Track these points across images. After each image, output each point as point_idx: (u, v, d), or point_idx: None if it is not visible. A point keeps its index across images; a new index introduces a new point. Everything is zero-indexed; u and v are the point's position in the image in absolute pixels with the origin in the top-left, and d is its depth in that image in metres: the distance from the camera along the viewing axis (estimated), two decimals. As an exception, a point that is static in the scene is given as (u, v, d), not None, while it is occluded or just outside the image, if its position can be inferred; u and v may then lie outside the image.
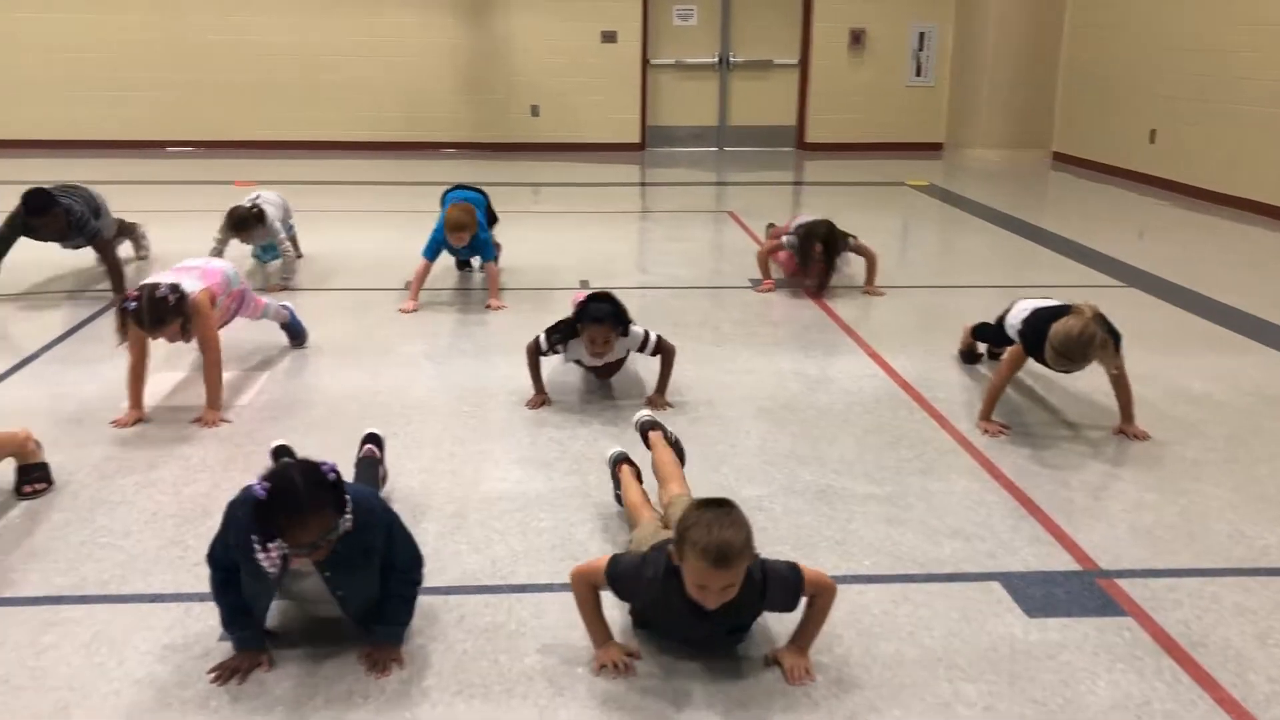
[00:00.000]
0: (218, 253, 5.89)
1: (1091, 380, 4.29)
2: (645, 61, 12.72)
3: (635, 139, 12.89)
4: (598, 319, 4.14)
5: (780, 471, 3.73)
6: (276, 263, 6.39)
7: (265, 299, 4.94)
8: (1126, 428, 4.07)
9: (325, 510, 2.37)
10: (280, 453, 3.44)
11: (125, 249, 6.54)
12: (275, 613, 2.65)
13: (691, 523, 2.36)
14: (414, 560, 2.65)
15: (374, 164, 11.53)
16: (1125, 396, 4.07)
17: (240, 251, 6.32)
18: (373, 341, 5.21)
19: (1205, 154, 9.53)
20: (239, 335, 4.98)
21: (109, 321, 5.30)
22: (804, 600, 2.55)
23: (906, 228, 8.86)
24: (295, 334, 5.06)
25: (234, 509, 2.49)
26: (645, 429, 3.51)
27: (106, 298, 5.82)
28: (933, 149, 13.03)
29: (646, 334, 4.31)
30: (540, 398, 4.33)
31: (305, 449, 2.73)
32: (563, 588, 2.70)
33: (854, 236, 6.22)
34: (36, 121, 11.99)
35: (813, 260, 6.01)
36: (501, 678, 2.53)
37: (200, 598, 2.77)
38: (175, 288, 4.01)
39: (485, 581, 2.98)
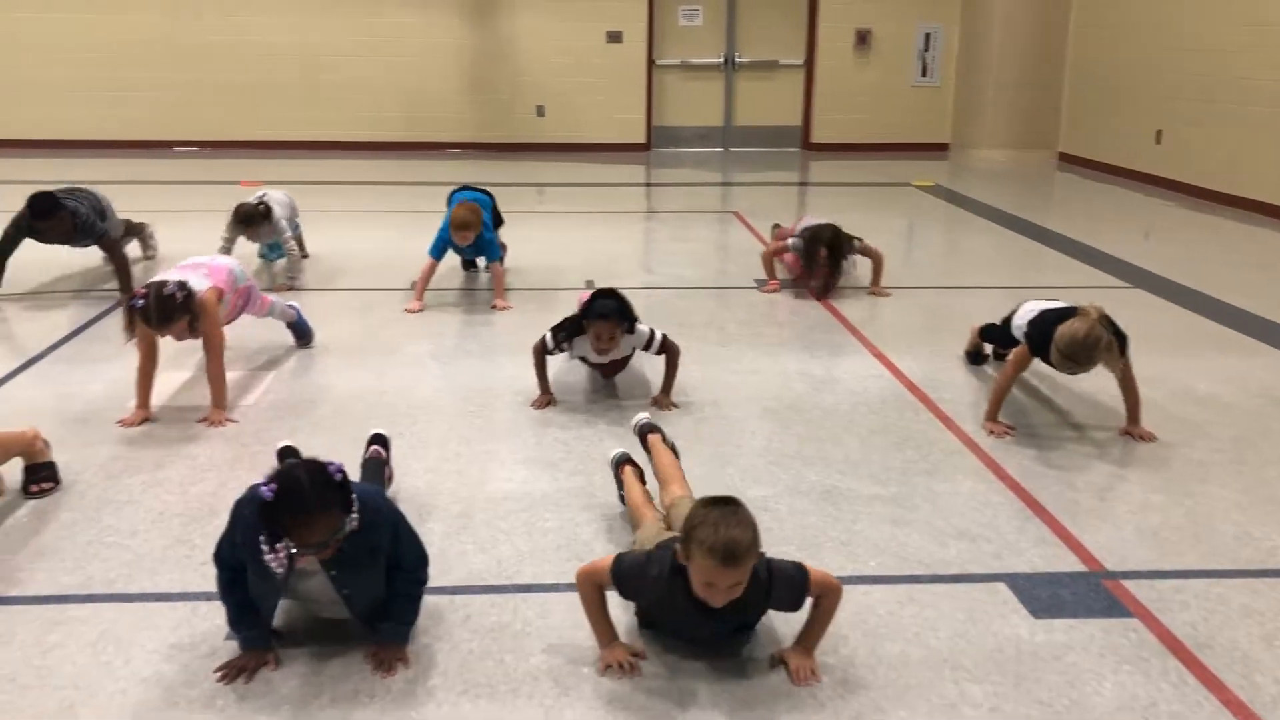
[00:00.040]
0: (226, 251, 5.89)
1: (1097, 381, 4.29)
2: (650, 62, 12.72)
3: (640, 139, 12.90)
4: (603, 315, 4.13)
5: (785, 472, 3.73)
6: (282, 262, 6.40)
7: (272, 297, 4.95)
8: (1132, 429, 4.07)
9: (332, 510, 2.38)
10: (286, 454, 3.44)
11: (133, 248, 6.55)
12: (281, 612, 2.66)
13: (699, 521, 2.36)
14: (419, 559, 2.65)
15: (379, 164, 11.55)
16: (1132, 398, 4.06)
17: (247, 251, 6.33)
18: (378, 341, 5.22)
19: (1211, 154, 9.52)
20: (245, 335, 4.99)
21: (115, 321, 5.30)
22: (809, 601, 2.55)
23: (912, 228, 8.85)
24: (301, 334, 5.07)
25: (240, 508, 2.49)
26: (644, 432, 3.50)
27: (113, 297, 5.83)
28: (938, 149, 13.02)
29: (652, 333, 4.31)
30: (546, 398, 4.33)
31: (311, 449, 2.73)
32: (568, 588, 2.71)
33: (859, 239, 6.21)
34: (37, 121, 12.02)
35: (817, 265, 6.01)
36: (507, 678, 2.53)
37: (207, 597, 2.78)
38: (183, 285, 4.03)
39: (491, 581, 2.98)
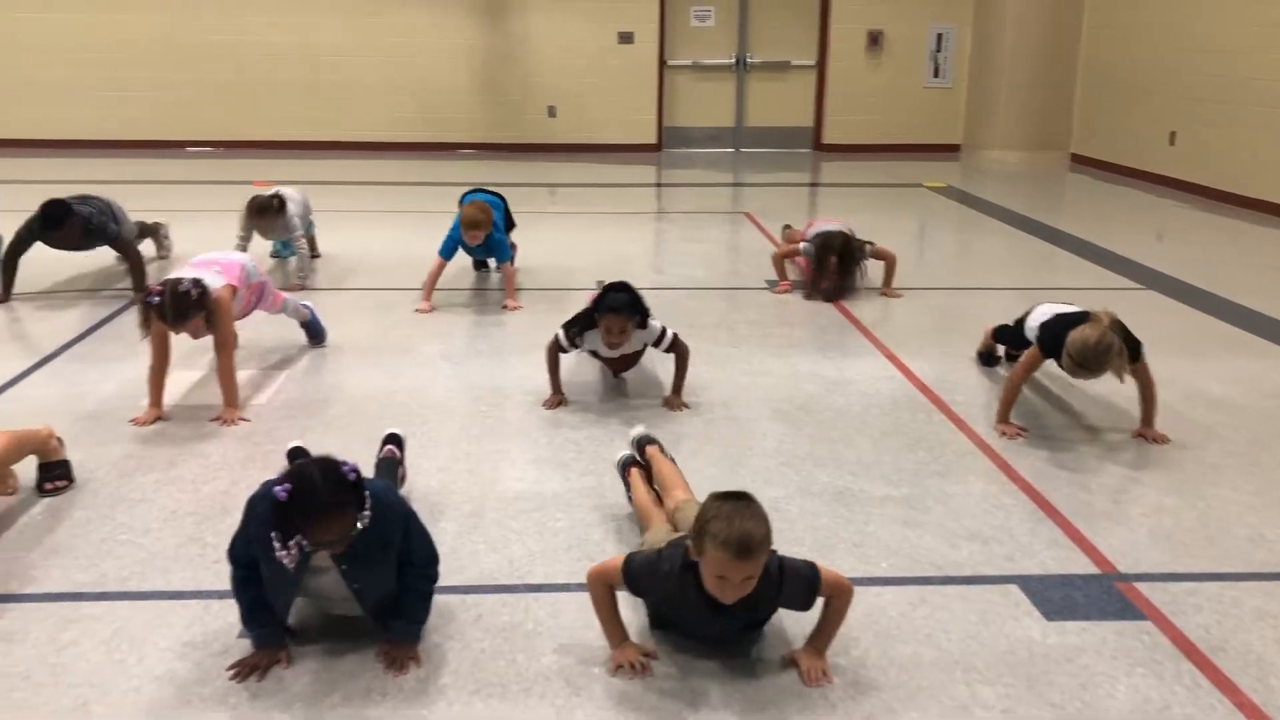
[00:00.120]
0: (241, 249, 5.90)
1: (1110, 383, 4.26)
2: (662, 62, 12.72)
3: (652, 140, 12.90)
4: (614, 309, 4.13)
5: (797, 473, 3.72)
6: (295, 260, 6.42)
7: (285, 295, 4.96)
8: (1145, 431, 4.05)
9: (346, 510, 2.39)
10: (296, 455, 3.44)
11: (147, 247, 6.58)
12: (294, 610, 2.66)
13: (712, 515, 2.36)
14: (430, 556, 2.65)
15: (390, 164, 11.57)
16: (1149, 401, 4.05)
17: (260, 250, 6.34)
18: (391, 341, 5.23)
19: (1225, 156, 9.47)
20: (258, 333, 5.01)
21: (128, 320, 5.34)
22: (820, 601, 2.55)
23: (924, 229, 8.83)
24: (314, 333, 5.09)
25: (253, 505, 2.50)
26: (641, 445, 3.48)
27: (126, 296, 5.86)
28: (950, 150, 12.99)
29: (664, 329, 4.31)
30: (557, 398, 4.34)
31: (324, 449, 2.73)
32: (579, 588, 2.71)
33: (871, 243, 6.19)
34: (64, 120, 12.03)
35: (827, 272, 6.00)
36: (519, 677, 2.53)
37: (219, 595, 2.79)
38: (197, 282, 4.05)
39: (502, 581, 2.98)
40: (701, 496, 2.57)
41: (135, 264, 5.92)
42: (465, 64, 12.48)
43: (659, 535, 2.83)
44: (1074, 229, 8.26)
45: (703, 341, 5.05)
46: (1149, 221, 8.87)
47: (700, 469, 3.61)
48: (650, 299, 4.31)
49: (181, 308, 3.96)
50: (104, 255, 6.30)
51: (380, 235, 7.73)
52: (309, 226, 6.68)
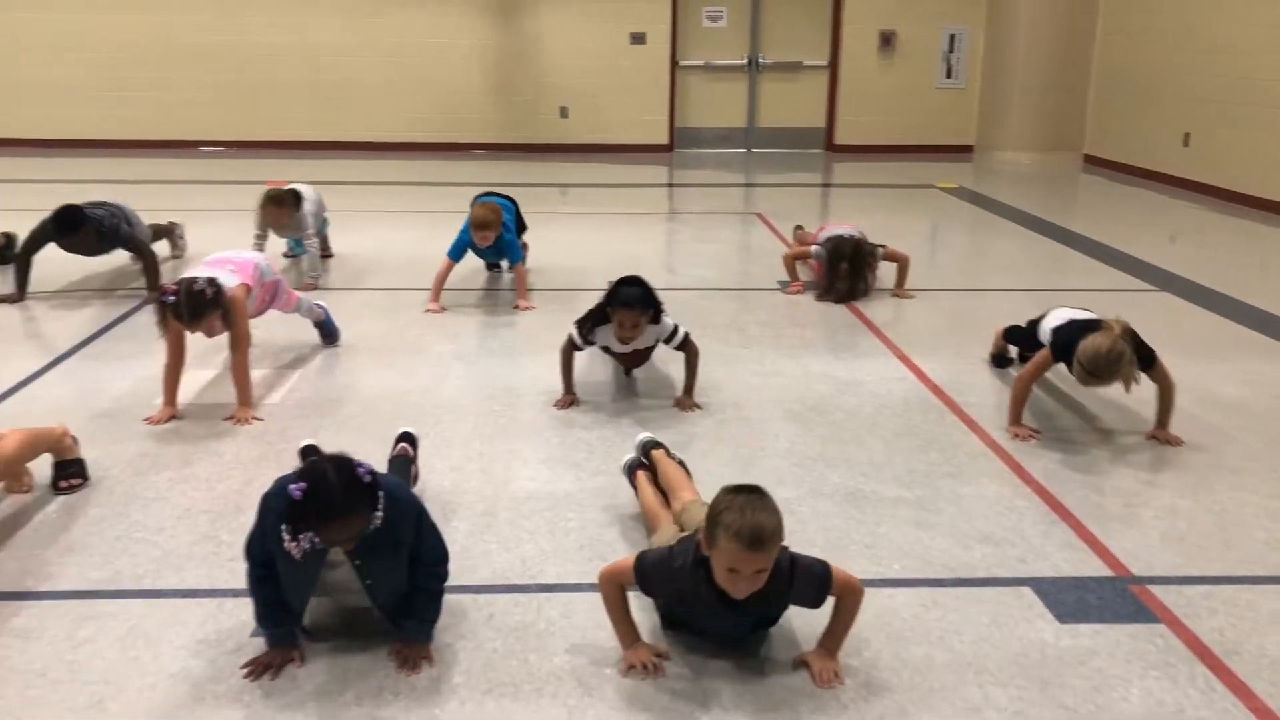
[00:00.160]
0: (258, 249, 5.93)
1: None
2: (674, 63, 12.72)
3: (664, 140, 12.90)
4: (628, 303, 4.13)
5: (809, 474, 3.72)
6: (306, 259, 6.44)
7: (299, 294, 4.98)
8: (1159, 433, 4.04)
9: (360, 512, 2.39)
10: (308, 453, 3.46)
11: (161, 247, 6.60)
12: (308, 610, 2.67)
13: (724, 507, 2.37)
14: (439, 555, 2.66)
15: (403, 164, 11.60)
16: (1167, 402, 4.03)
17: (274, 250, 6.36)
18: (404, 341, 5.24)
19: (1240, 157, 9.43)
20: (272, 333, 5.03)
21: (142, 319, 5.37)
22: (831, 600, 2.55)
23: (936, 230, 8.82)
24: (328, 333, 5.10)
25: (267, 501, 2.51)
26: (647, 449, 3.48)
27: (139, 295, 5.88)
28: (963, 151, 12.96)
29: (676, 326, 4.31)
30: (569, 398, 4.34)
31: (337, 448, 2.74)
32: (591, 588, 2.71)
33: (883, 246, 6.19)
34: (61, 121, 12.11)
35: (839, 278, 5.99)
36: (530, 677, 2.54)
37: (233, 593, 2.80)
38: (212, 281, 4.07)
39: (514, 580, 2.99)
40: (712, 498, 2.57)
41: (149, 264, 5.95)
42: (478, 64, 12.50)
43: (666, 537, 2.83)
44: (1087, 230, 8.23)
45: (714, 342, 5.05)
46: (1163, 223, 8.84)
47: (712, 470, 3.61)
48: (662, 300, 4.31)
49: (197, 307, 3.98)
50: (118, 255, 6.33)
51: (393, 235, 7.75)
52: (323, 225, 6.71)
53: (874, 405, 4.40)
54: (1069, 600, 2.90)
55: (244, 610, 2.68)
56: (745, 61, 12.89)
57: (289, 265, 6.67)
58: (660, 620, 2.72)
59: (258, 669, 2.53)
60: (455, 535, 3.15)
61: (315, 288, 6.09)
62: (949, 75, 12.89)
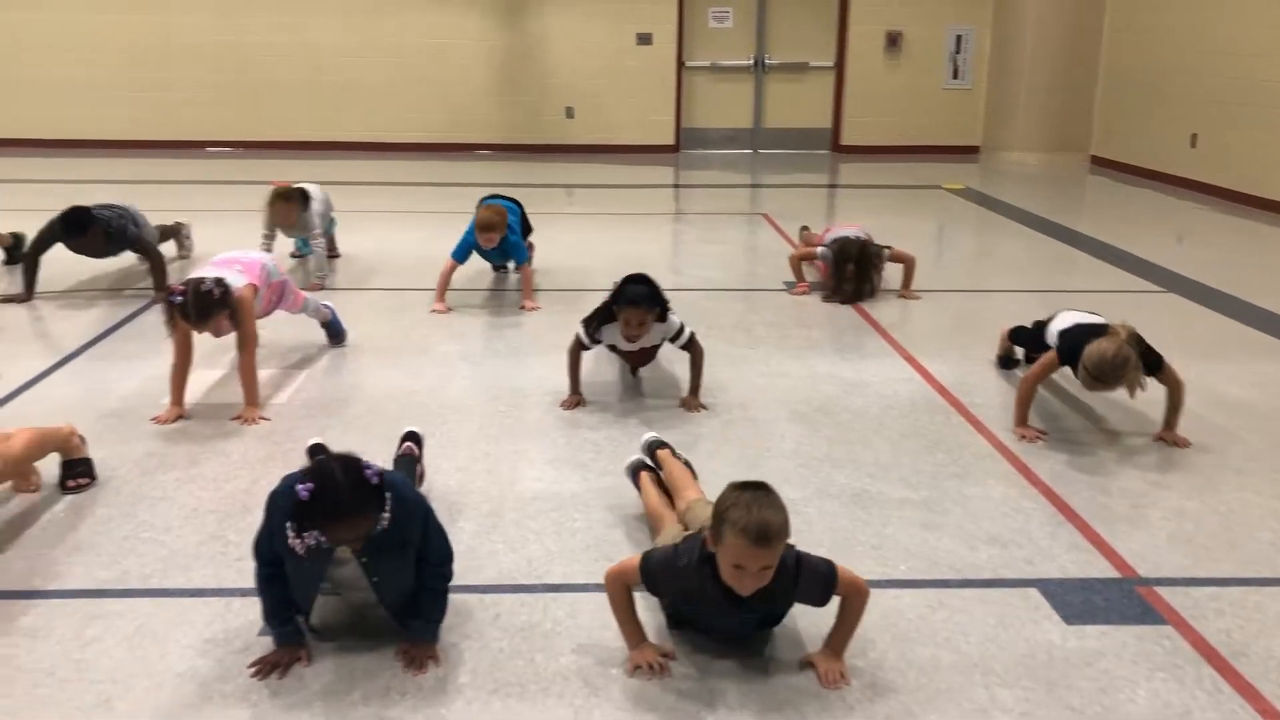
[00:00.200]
0: (266, 249, 5.94)
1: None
2: (680, 63, 12.73)
3: (670, 141, 12.90)
4: (634, 301, 4.13)
5: (815, 475, 3.72)
6: (313, 259, 6.45)
7: (306, 294, 4.99)
8: (1166, 435, 4.03)
9: (367, 514, 2.40)
10: (316, 452, 3.46)
11: (168, 248, 6.61)
12: (315, 609, 2.67)
13: (731, 503, 2.37)
14: (445, 554, 2.66)
15: (408, 165, 11.61)
16: (1176, 403, 4.02)
17: (282, 250, 6.37)
18: (410, 342, 5.25)
19: (1247, 158, 9.41)
20: (279, 333, 5.04)
21: (149, 319, 5.38)
22: (836, 600, 2.55)
23: (942, 231, 8.81)
24: (335, 333, 5.11)
25: (274, 499, 2.51)
26: (652, 448, 3.47)
27: (146, 295, 5.90)
28: (969, 152, 12.94)
29: (682, 325, 4.31)
30: (575, 398, 4.34)
31: (344, 448, 2.75)
32: (597, 588, 2.71)
33: (889, 247, 6.18)
34: (61, 121, 12.13)
35: (845, 279, 5.99)
36: (537, 677, 2.54)
37: (240, 593, 2.81)
38: (220, 281, 4.08)
39: (520, 580, 2.99)
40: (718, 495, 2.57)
41: (156, 264, 5.96)
42: (484, 65, 12.51)
43: (670, 536, 2.83)
44: (1094, 231, 8.22)
45: (720, 342, 5.05)
46: (1170, 224, 8.82)
47: (718, 470, 3.61)
48: (668, 298, 4.31)
49: (204, 307, 3.99)
50: (125, 255, 6.34)
51: (399, 235, 7.76)
52: (330, 225, 6.71)
53: (880, 406, 4.40)
54: (1076, 601, 2.89)
55: (251, 610, 2.68)
56: (751, 62, 12.88)
57: (296, 265, 6.68)
58: (666, 620, 2.73)
59: (265, 668, 2.53)
60: (461, 535, 3.16)
61: (322, 288, 6.11)
62: (955, 76, 12.88)
